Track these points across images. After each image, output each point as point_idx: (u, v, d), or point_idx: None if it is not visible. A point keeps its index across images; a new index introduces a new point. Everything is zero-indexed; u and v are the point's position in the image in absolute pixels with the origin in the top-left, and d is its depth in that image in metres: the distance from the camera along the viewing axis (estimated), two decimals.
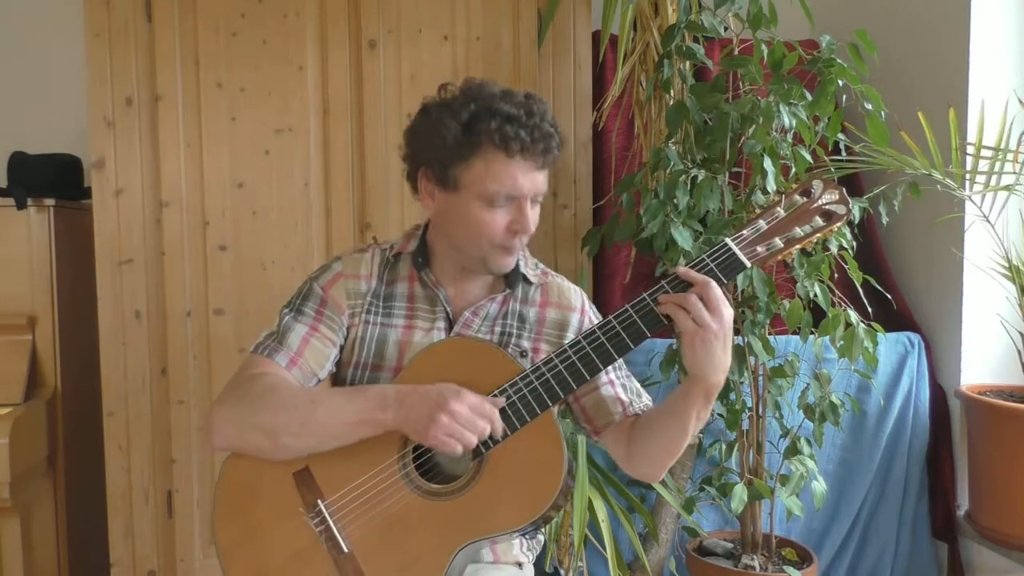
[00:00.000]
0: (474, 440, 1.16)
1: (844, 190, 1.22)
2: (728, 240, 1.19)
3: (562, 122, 2.21)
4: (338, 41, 2.18)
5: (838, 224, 1.20)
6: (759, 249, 1.19)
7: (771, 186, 1.84)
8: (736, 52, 1.99)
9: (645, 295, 1.20)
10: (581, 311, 1.40)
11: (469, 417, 1.16)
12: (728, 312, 1.16)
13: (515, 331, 1.36)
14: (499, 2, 2.21)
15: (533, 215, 1.30)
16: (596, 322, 1.39)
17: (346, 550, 1.21)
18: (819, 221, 1.20)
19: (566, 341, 1.35)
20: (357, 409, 1.20)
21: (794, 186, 1.24)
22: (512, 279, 1.37)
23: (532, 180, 1.26)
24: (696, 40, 2.04)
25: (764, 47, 1.92)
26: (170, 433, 2.19)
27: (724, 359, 1.18)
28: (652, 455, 1.30)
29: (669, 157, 1.93)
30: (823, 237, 1.22)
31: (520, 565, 1.39)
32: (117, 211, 2.15)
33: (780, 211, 1.20)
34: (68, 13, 2.47)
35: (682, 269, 1.19)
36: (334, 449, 1.22)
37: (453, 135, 1.24)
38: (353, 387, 1.32)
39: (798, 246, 1.20)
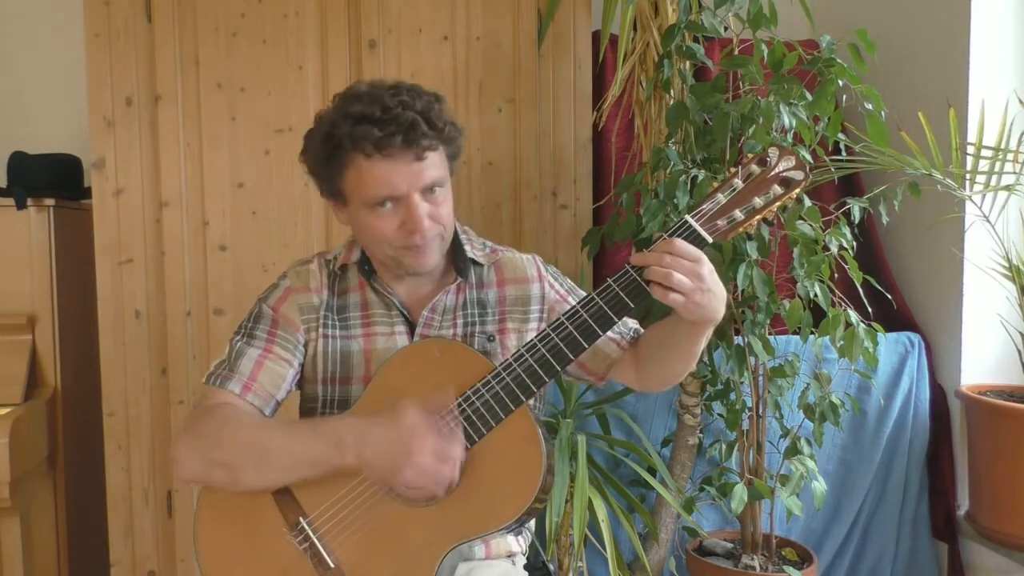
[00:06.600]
0: (442, 491, 1.17)
1: (800, 155, 1.20)
2: (687, 217, 1.17)
3: (562, 122, 2.25)
4: (338, 41, 2.18)
5: (797, 190, 1.18)
6: (719, 223, 1.17)
7: None
8: (736, 52, 1.99)
9: (610, 281, 1.17)
10: (539, 278, 1.38)
11: (434, 469, 1.14)
12: (702, 255, 1.13)
13: (477, 318, 1.34)
14: (499, 2, 2.21)
15: (431, 207, 1.23)
16: (561, 290, 1.39)
17: (332, 565, 1.20)
18: (778, 189, 1.18)
19: (531, 314, 1.35)
20: (311, 451, 1.18)
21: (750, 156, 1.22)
22: (461, 267, 1.34)
23: (409, 175, 1.20)
24: (696, 40, 2.04)
25: (764, 47, 1.92)
26: (170, 433, 2.19)
27: (721, 292, 1.16)
28: (671, 375, 1.34)
29: (669, 157, 1.93)
30: (783, 205, 1.20)
31: (512, 557, 1.38)
32: (117, 211, 2.16)
33: (738, 182, 1.18)
34: (68, 13, 2.47)
35: (635, 256, 1.16)
36: None
37: (320, 152, 1.22)
38: (307, 421, 1.31)
39: (759, 216, 1.18)
